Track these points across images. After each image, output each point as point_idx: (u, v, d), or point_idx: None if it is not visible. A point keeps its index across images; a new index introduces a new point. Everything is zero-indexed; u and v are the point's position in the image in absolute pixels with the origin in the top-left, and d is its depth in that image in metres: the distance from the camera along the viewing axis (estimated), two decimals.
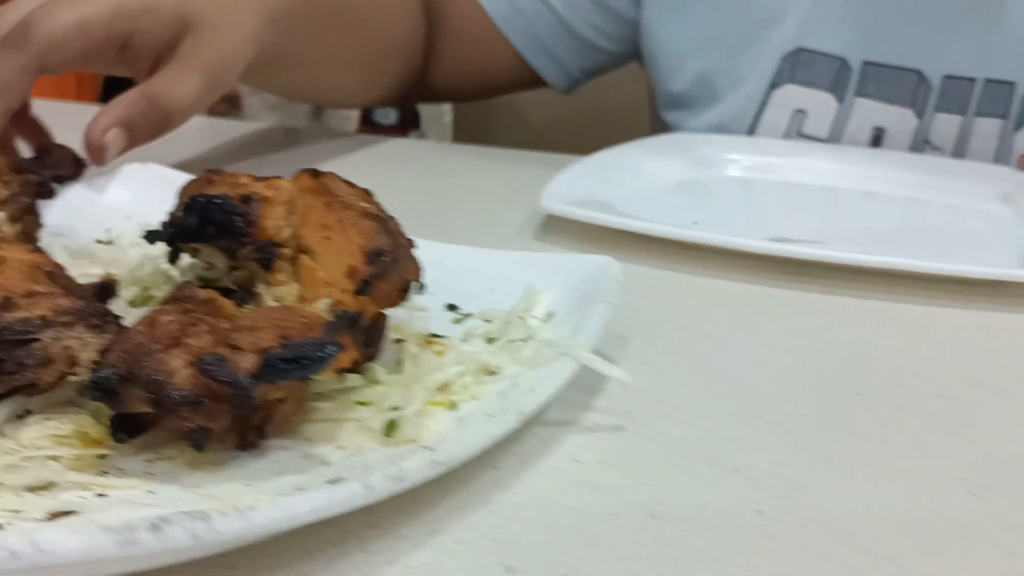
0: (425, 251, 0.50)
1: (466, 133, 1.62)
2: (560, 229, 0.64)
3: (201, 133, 0.86)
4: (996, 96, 0.83)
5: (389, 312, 0.41)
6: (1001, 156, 0.84)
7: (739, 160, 0.82)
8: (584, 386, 0.41)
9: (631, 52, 0.98)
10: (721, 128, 0.90)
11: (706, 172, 0.80)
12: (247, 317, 0.34)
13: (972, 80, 0.84)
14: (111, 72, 0.70)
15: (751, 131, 0.89)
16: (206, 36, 0.63)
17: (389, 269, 0.39)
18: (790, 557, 0.31)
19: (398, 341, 0.42)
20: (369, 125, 1.92)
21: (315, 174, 0.42)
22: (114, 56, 0.62)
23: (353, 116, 1.78)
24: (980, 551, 0.32)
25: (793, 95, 0.88)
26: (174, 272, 0.45)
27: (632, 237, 0.60)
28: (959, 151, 0.84)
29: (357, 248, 0.39)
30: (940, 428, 0.41)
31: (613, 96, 1.23)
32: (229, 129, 0.91)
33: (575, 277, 0.46)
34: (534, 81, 1.00)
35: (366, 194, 0.42)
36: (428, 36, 0.96)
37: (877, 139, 0.86)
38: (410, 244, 0.42)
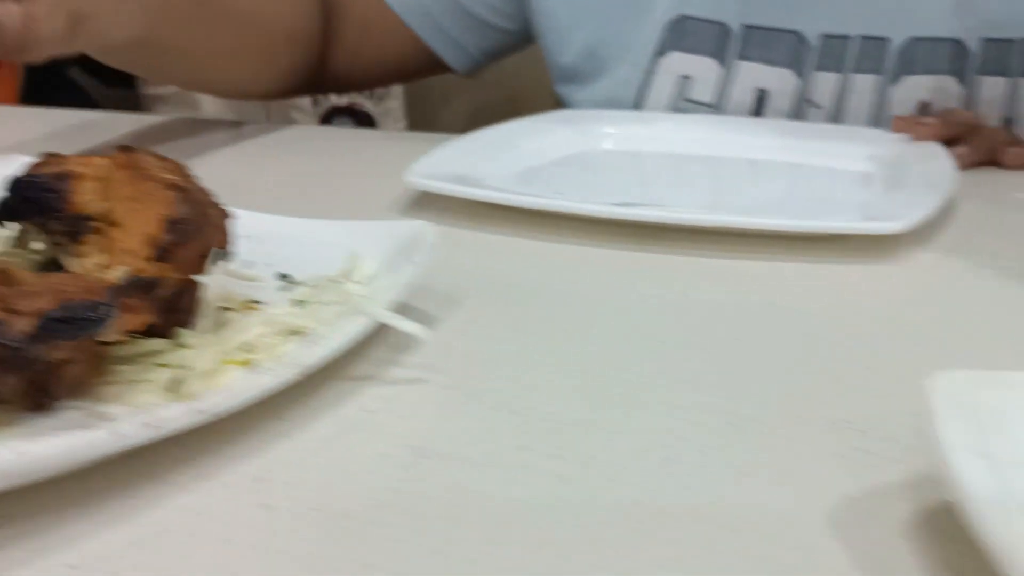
0: (260, 223, 0.52)
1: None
2: (430, 204, 0.65)
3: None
4: (871, 52, 0.85)
5: (217, 281, 0.43)
6: (878, 110, 0.86)
7: (617, 133, 0.83)
8: (398, 344, 0.43)
9: (527, 30, 1.00)
10: (611, 98, 0.92)
11: (587, 147, 0.82)
12: (32, 284, 0.36)
13: (847, 38, 0.86)
14: None
15: (639, 99, 0.91)
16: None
17: (189, 237, 0.41)
18: (542, 483, 0.34)
19: (224, 309, 0.44)
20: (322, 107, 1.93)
21: (127, 150, 0.44)
22: None
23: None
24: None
25: (678, 62, 0.90)
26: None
27: (497, 209, 0.62)
28: (839, 108, 0.86)
29: (157, 217, 0.40)
30: (743, 375, 0.43)
31: None
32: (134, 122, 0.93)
33: (396, 242, 0.48)
34: (437, 65, 1.01)
35: (177, 167, 0.44)
36: (325, 24, 0.97)
37: (760, 100, 0.88)
38: (223, 215, 0.44)
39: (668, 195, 0.75)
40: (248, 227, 0.53)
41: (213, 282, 0.44)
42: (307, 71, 0.98)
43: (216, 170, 0.78)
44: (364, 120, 1.94)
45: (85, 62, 1.37)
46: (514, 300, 0.52)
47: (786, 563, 0.30)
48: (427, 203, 0.65)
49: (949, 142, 0.77)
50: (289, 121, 1.81)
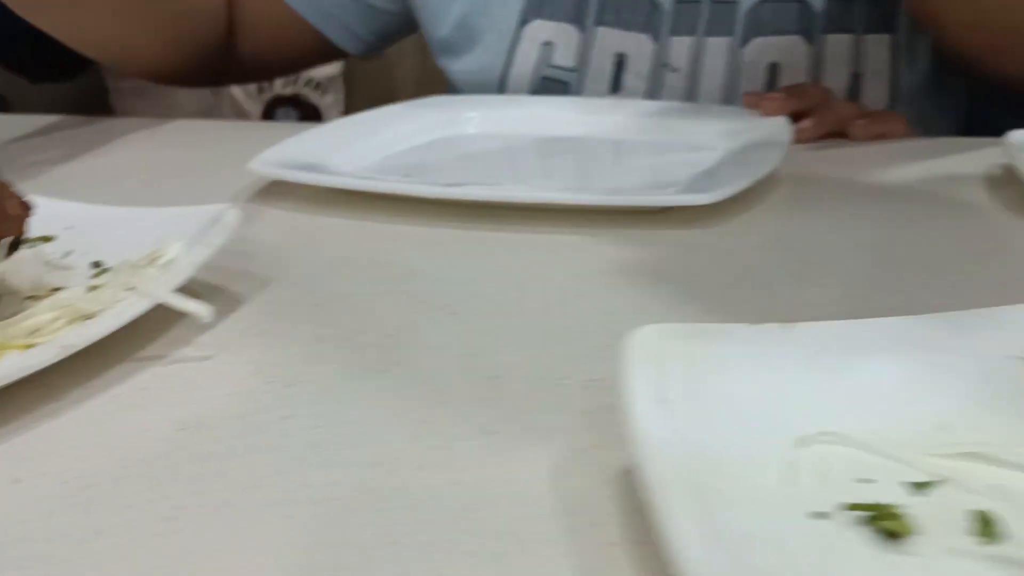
0: (83, 214, 0.54)
1: None
2: (287, 192, 0.67)
3: None
4: (721, 15, 0.88)
5: (25, 270, 0.45)
6: (732, 71, 0.88)
7: (482, 117, 0.86)
8: (194, 325, 0.45)
9: (409, 10, 1.01)
10: (482, 67, 0.94)
11: (452, 131, 0.84)
12: None
13: (699, 2, 0.88)
14: None
15: (506, 67, 0.93)
16: None
17: None
18: (295, 448, 0.36)
19: (32, 298, 0.46)
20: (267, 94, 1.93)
21: None
22: None
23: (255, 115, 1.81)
24: None
25: (541, 29, 0.92)
26: None
27: (346, 195, 0.64)
28: (695, 70, 0.89)
29: None
30: (527, 339, 0.46)
31: None
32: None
33: (201, 226, 0.50)
34: (333, 50, 1.03)
35: None
36: (230, 10, 0.98)
37: (620, 65, 0.90)
38: (22, 206, 0.46)
39: (529, 176, 0.78)
40: (70, 218, 0.55)
41: (12, 270, 0.46)
42: (213, 53, 0.99)
43: (61, 163, 0.80)
44: (309, 112, 1.94)
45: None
46: (330, 281, 0.54)
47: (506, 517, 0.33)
48: (283, 191, 0.67)
49: (798, 115, 0.80)
50: (238, 110, 1.82)
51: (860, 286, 0.53)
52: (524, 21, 0.92)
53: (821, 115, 0.80)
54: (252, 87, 1.82)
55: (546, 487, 0.34)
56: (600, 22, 0.90)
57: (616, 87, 0.91)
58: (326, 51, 1.03)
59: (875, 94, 0.86)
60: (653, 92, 0.90)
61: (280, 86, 1.86)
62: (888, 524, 0.30)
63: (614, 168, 0.80)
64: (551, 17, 0.91)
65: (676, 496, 0.28)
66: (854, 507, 0.30)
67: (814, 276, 0.55)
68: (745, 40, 0.88)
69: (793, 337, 0.38)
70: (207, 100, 1.70)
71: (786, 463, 0.32)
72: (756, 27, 0.87)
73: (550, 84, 0.92)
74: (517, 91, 0.93)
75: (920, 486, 0.32)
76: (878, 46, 0.86)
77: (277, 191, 0.68)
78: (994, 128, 0.92)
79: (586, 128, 0.83)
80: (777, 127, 0.77)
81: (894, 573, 0.28)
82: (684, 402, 0.33)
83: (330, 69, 1.81)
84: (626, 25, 0.90)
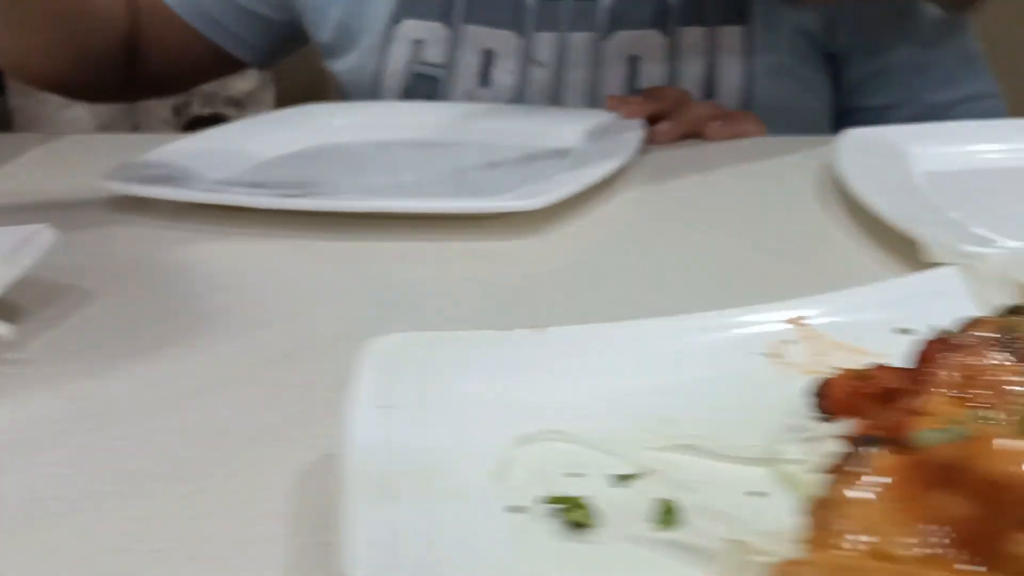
0: None
1: None
2: (142, 204, 0.68)
3: None
4: (583, 11, 0.90)
5: None
6: (594, 66, 0.91)
7: (346, 125, 0.88)
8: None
9: (296, 19, 1.03)
10: (360, 65, 0.97)
11: (317, 139, 0.86)
12: None
13: None
14: None
15: (380, 66, 0.95)
16: None
17: None
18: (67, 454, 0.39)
19: None
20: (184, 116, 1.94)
21: None
22: None
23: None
24: None
25: (411, 28, 0.94)
26: None
27: (203, 208, 0.66)
28: (560, 65, 0.92)
29: None
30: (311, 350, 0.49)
31: None
32: None
33: (13, 246, 0.52)
34: (229, 60, 1.04)
35: None
36: (133, 24, 0.99)
37: (488, 61, 0.93)
38: None
39: (390, 183, 0.79)
40: None
41: None
42: (113, 67, 1.00)
43: None
44: (231, 104, 1.95)
45: None
46: (157, 294, 0.56)
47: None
48: (146, 204, 0.68)
49: (658, 117, 0.83)
50: (155, 131, 1.83)
51: (677, 286, 0.56)
52: (395, 21, 0.94)
53: (677, 117, 0.83)
54: (167, 112, 1.83)
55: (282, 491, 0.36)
56: (468, 20, 0.92)
57: (485, 82, 0.93)
58: (223, 62, 1.05)
59: (730, 84, 0.89)
60: (521, 86, 0.93)
61: (198, 106, 1.87)
62: (574, 515, 0.33)
63: (475, 173, 0.82)
64: (421, 16, 0.94)
65: (359, 497, 0.30)
66: (548, 501, 0.33)
67: (644, 277, 0.58)
68: (606, 34, 0.90)
69: (542, 341, 0.41)
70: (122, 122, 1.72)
71: (500, 461, 0.35)
72: (616, 21, 0.90)
73: (422, 80, 0.94)
74: (391, 87, 0.95)
75: (624, 478, 0.35)
76: (731, 37, 0.89)
77: (141, 204, 0.69)
78: (865, 114, 0.96)
79: (454, 133, 0.85)
80: (630, 130, 0.80)
81: (572, 560, 0.31)
82: (412, 407, 0.36)
83: (245, 84, 1.82)
84: (493, 22, 0.92)
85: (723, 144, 0.83)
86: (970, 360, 0.33)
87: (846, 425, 0.36)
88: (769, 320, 0.45)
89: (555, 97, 0.92)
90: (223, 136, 0.83)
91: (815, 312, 0.45)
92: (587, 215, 0.67)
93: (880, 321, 0.44)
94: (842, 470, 0.27)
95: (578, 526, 0.32)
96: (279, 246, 0.62)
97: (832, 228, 0.64)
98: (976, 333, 0.34)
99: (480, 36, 0.92)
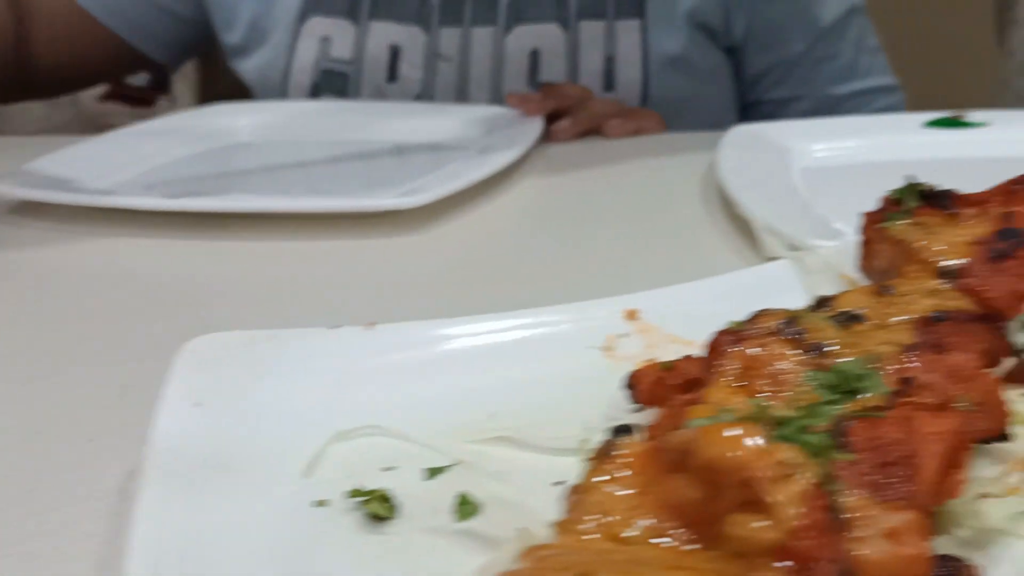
0: None
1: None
2: (40, 208, 0.69)
3: None
4: (485, 6, 0.91)
5: None
6: (497, 59, 0.92)
7: (253, 124, 0.88)
8: None
9: (206, 17, 1.02)
10: (269, 63, 0.97)
11: (219, 140, 0.86)
12: None
13: None
14: None
15: (288, 63, 0.96)
16: None
17: None
18: None
19: None
20: (120, 87, 1.92)
21: None
22: None
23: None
24: None
25: (318, 25, 0.95)
26: None
27: (97, 210, 0.67)
28: (464, 59, 0.93)
29: None
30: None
31: None
32: None
33: None
34: (138, 58, 1.04)
35: None
36: (17, 23, 0.98)
37: (395, 56, 0.94)
38: None
39: (289, 183, 0.80)
40: None
41: None
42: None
43: None
44: (162, 76, 1.94)
45: None
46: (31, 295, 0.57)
47: None
48: (43, 207, 0.69)
49: (559, 113, 0.84)
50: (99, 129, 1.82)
51: (554, 280, 0.58)
52: (303, 18, 0.95)
53: (577, 114, 0.84)
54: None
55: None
56: (373, 16, 0.93)
57: (393, 77, 0.94)
58: (132, 60, 1.05)
59: (628, 75, 0.90)
60: (428, 81, 0.94)
61: None
62: (374, 508, 0.34)
63: (385, 170, 0.83)
64: (328, 13, 0.94)
65: (155, 491, 0.31)
66: (351, 494, 0.34)
67: (526, 271, 0.59)
68: (507, 29, 0.91)
69: (370, 338, 0.42)
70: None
71: (312, 456, 0.36)
72: (516, 16, 0.91)
73: (331, 76, 0.95)
74: (300, 84, 0.96)
75: (435, 471, 0.36)
76: (628, 31, 0.90)
77: (37, 208, 0.69)
78: (767, 107, 0.98)
79: (356, 132, 0.86)
80: (528, 128, 0.81)
81: (365, 551, 0.33)
82: (226, 404, 0.37)
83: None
84: (398, 18, 0.93)
85: (622, 141, 0.85)
86: (753, 351, 0.34)
87: (653, 414, 0.37)
88: (605, 314, 0.46)
89: (461, 91, 0.93)
90: (123, 138, 0.83)
91: (650, 305, 0.46)
92: (481, 210, 0.68)
93: (712, 313, 0.45)
94: (596, 458, 0.28)
95: (378, 518, 0.34)
96: (165, 246, 0.63)
97: (708, 224, 0.65)
98: (761, 325, 0.35)
99: (386, 32, 0.93)
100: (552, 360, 0.43)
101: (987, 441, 0.35)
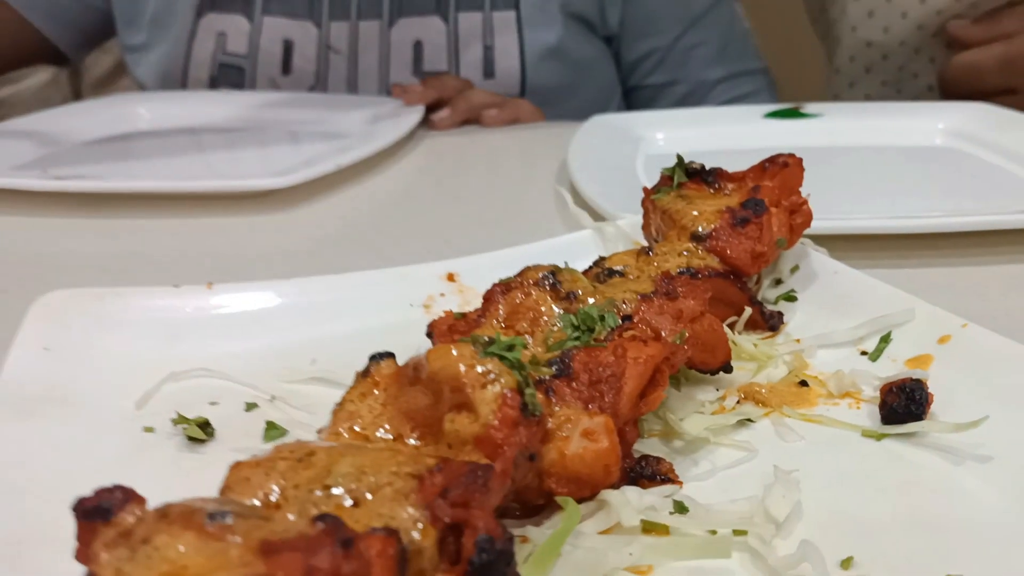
0: None
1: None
2: None
3: None
4: (371, 0, 0.98)
5: None
6: (385, 50, 0.98)
7: (148, 115, 0.94)
8: None
9: (110, 10, 1.07)
10: (169, 56, 1.02)
11: (124, 128, 0.91)
12: None
13: None
14: None
15: (187, 58, 1.01)
16: None
17: None
18: None
19: None
20: None
21: None
22: None
23: None
24: None
25: (214, 21, 1.00)
26: None
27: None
28: (354, 51, 0.99)
29: None
30: None
31: None
32: None
33: None
34: (45, 47, 1.08)
35: None
36: None
37: (288, 49, 0.99)
38: None
39: (182, 166, 0.85)
40: None
41: None
42: None
43: None
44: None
45: None
46: None
47: None
48: None
49: (439, 103, 0.91)
50: None
51: (409, 249, 0.64)
52: (199, 14, 1.00)
53: (455, 104, 0.91)
54: None
55: None
56: (267, 12, 0.99)
57: (287, 70, 1.00)
58: (35, 49, 1.08)
59: (506, 65, 0.97)
60: (320, 73, 0.99)
61: None
62: (192, 432, 0.40)
63: (262, 155, 0.88)
64: (223, 10, 0.99)
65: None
66: (175, 421, 0.40)
67: (388, 241, 0.66)
68: (392, 22, 0.98)
69: (210, 295, 0.48)
70: None
71: (146, 392, 0.42)
72: (400, 9, 0.97)
73: (227, 70, 1.00)
74: (198, 78, 1.01)
75: (252, 405, 0.42)
76: (505, 22, 0.97)
77: None
78: (645, 92, 1.05)
79: (247, 119, 0.92)
80: (407, 116, 0.88)
81: (184, 466, 0.39)
82: (72, 350, 0.42)
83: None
84: (290, 13, 0.98)
85: (499, 130, 0.92)
86: (517, 298, 0.41)
87: None
88: (427, 276, 0.53)
89: (352, 81, 0.99)
90: (26, 124, 0.88)
91: (468, 268, 0.53)
92: (359, 190, 0.75)
93: None
94: (357, 377, 0.35)
95: (196, 440, 0.40)
96: (57, 225, 0.68)
97: (557, 202, 0.72)
98: (526, 278, 0.42)
99: (279, 27, 0.98)
100: (376, 315, 0.50)
101: (714, 372, 0.43)
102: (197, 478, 0.38)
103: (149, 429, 0.40)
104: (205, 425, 0.40)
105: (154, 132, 0.92)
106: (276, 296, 0.49)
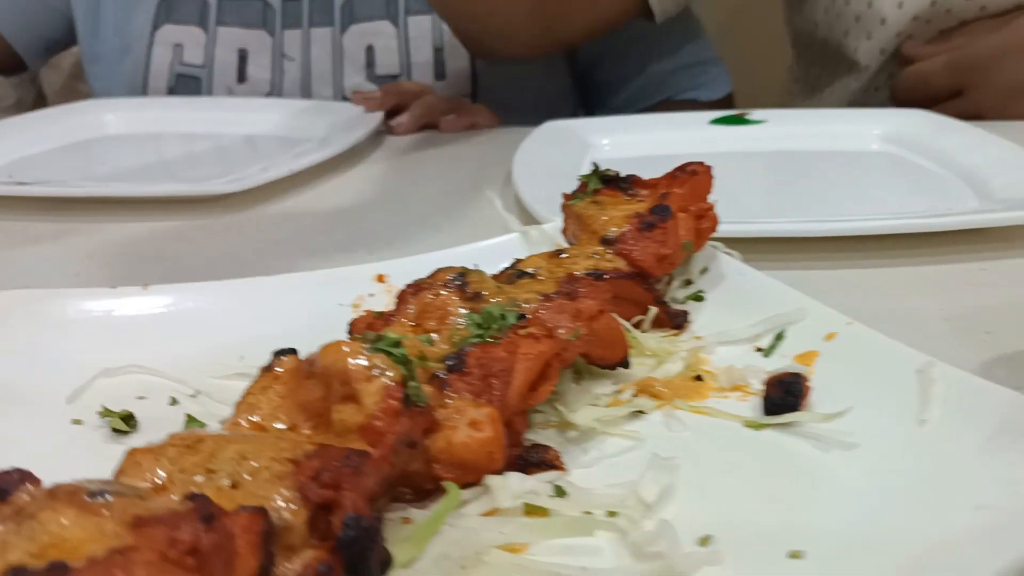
0: None
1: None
2: None
3: None
4: (321, 8, 1.00)
5: None
6: (338, 55, 1.01)
7: (115, 120, 0.96)
8: None
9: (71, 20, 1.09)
10: (129, 70, 1.04)
11: (92, 133, 0.94)
12: None
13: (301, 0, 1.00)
14: None
15: (146, 69, 1.03)
16: None
17: None
18: None
19: None
20: None
21: None
22: None
23: None
24: None
25: (171, 33, 1.02)
26: None
27: None
28: (307, 58, 1.01)
29: None
30: None
31: None
32: None
33: None
34: (8, 59, 1.10)
35: None
36: None
37: (243, 58, 1.02)
38: None
39: (148, 173, 0.88)
40: None
41: None
42: None
43: None
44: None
45: None
46: None
47: None
48: None
49: (399, 109, 0.93)
50: None
51: (353, 250, 0.67)
52: (156, 27, 1.03)
53: (413, 110, 0.93)
54: None
55: None
56: (221, 22, 1.01)
57: (242, 78, 1.02)
58: (1, 60, 1.11)
59: (457, 66, 1.00)
60: (276, 80, 1.02)
61: None
62: (116, 424, 0.42)
63: (222, 160, 0.91)
64: (179, 21, 1.02)
65: None
66: (101, 414, 0.43)
67: (335, 244, 0.68)
68: (343, 28, 1.00)
69: (146, 296, 0.51)
70: None
71: (78, 388, 0.45)
72: (350, 16, 1.00)
73: (185, 80, 1.03)
74: (157, 88, 1.04)
75: (176, 400, 0.45)
76: None
77: None
78: (602, 88, 1.07)
79: (213, 126, 0.95)
80: (365, 122, 0.90)
81: (107, 455, 0.41)
82: (6, 349, 0.45)
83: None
84: (244, 23, 1.01)
85: (456, 135, 0.94)
86: (427, 298, 0.43)
87: None
88: (358, 278, 0.55)
89: (306, 86, 1.02)
90: None
91: (398, 270, 0.56)
92: (309, 196, 0.77)
93: None
94: (260, 371, 0.37)
95: (120, 432, 0.42)
96: (20, 229, 0.71)
97: (506, 208, 0.75)
98: (437, 279, 0.44)
99: (234, 36, 1.01)
100: (306, 315, 0.52)
101: (612, 367, 0.45)
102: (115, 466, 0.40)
103: (78, 421, 0.43)
104: (129, 418, 0.43)
105: (119, 137, 0.95)
106: (210, 297, 0.52)
